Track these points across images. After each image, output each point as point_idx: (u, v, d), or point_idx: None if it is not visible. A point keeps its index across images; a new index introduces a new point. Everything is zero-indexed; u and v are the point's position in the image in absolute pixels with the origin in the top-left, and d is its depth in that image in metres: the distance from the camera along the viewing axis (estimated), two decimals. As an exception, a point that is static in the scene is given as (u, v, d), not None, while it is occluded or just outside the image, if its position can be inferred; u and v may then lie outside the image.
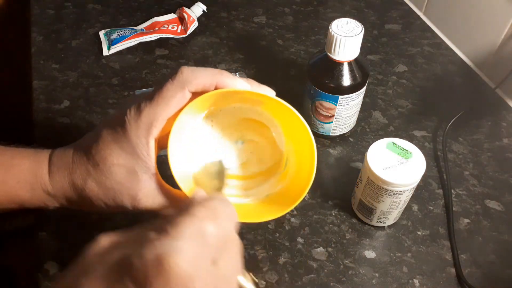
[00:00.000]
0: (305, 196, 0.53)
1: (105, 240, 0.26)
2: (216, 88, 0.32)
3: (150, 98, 0.32)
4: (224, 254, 0.26)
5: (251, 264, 0.47)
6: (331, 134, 0.58)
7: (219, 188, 0.35)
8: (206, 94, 0.31)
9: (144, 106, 0.31)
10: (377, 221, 0.49)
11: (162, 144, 0.34)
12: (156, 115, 0.31)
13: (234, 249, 0.27)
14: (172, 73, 0.31)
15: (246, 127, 0.37)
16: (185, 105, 0.32)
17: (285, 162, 0.37)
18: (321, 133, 0.58)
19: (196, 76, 0.31)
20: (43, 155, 0.36)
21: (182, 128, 0.33)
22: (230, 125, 0.37)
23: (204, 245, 0.24)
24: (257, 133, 0.38)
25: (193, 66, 0.32)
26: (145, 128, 0.31)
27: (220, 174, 0.36)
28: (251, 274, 0.33)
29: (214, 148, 0.38)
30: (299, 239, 0.49)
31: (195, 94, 0.32)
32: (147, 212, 0.35)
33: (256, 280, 0.33)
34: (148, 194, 0.34)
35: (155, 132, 0.32)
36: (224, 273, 0.25)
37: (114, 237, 0.26)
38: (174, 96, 0.31)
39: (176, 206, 0.35)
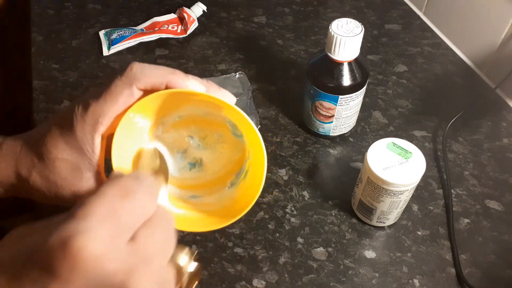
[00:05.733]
0: (305, 196, 0.53)
1: (17, 231, 0.25)
2: (167, 88, 0.31)
3: (98, 94, 0.31)
4: (144, 232, 0.24)
5: (251, 264, 0.47)
6: (331, 134, 0.58)
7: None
8: (154, 94, 0.30)
9: (91, 102, 0.31)
10: (377, 221, 0.49)
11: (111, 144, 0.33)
12: (103, 112, 0.30)
13: (159, 225, 0.26)
14: (122, 69, 0.31)
15: (205, 135, 0.36)
16: (134, 103, 0.31)
17: (243, 173, 0.36)
18: (321, 133, 0.58)
19: (145, 74, 0.30)
20: None
21: (129, 127, 0.32)
22: (186, 131, 0.36)
23: (116, 223, 0.23)
24: (215, 143, 0.36)
25: (145, 63, 0.31)
26: (91, 124, 0.31)
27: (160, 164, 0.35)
28: (191, 249, 0.30)
29: (165, 153, 0.36)
30: (299, 239, 0.49)
31: (147, 93, 0.31)
32: None
33: (197, 256, 0.31)
34: (90, 192, 0.34)
35: (101, 129, 0.31)
36: (145, 252, 0.24)
37: (28, 228, 0.25)
38: (121, 92, 0.30)
39: None
